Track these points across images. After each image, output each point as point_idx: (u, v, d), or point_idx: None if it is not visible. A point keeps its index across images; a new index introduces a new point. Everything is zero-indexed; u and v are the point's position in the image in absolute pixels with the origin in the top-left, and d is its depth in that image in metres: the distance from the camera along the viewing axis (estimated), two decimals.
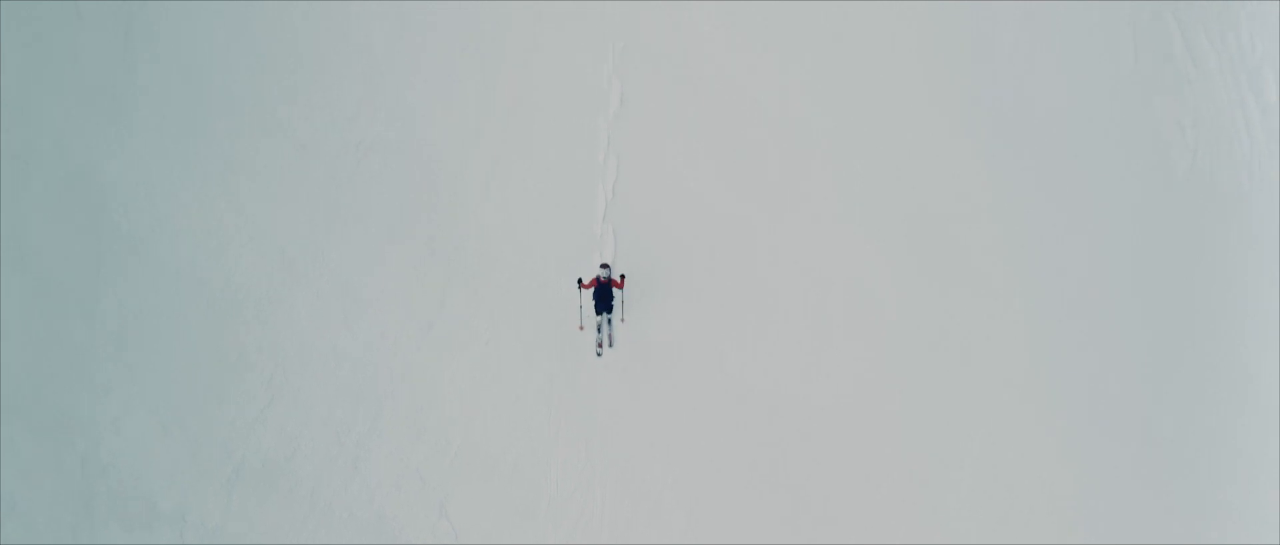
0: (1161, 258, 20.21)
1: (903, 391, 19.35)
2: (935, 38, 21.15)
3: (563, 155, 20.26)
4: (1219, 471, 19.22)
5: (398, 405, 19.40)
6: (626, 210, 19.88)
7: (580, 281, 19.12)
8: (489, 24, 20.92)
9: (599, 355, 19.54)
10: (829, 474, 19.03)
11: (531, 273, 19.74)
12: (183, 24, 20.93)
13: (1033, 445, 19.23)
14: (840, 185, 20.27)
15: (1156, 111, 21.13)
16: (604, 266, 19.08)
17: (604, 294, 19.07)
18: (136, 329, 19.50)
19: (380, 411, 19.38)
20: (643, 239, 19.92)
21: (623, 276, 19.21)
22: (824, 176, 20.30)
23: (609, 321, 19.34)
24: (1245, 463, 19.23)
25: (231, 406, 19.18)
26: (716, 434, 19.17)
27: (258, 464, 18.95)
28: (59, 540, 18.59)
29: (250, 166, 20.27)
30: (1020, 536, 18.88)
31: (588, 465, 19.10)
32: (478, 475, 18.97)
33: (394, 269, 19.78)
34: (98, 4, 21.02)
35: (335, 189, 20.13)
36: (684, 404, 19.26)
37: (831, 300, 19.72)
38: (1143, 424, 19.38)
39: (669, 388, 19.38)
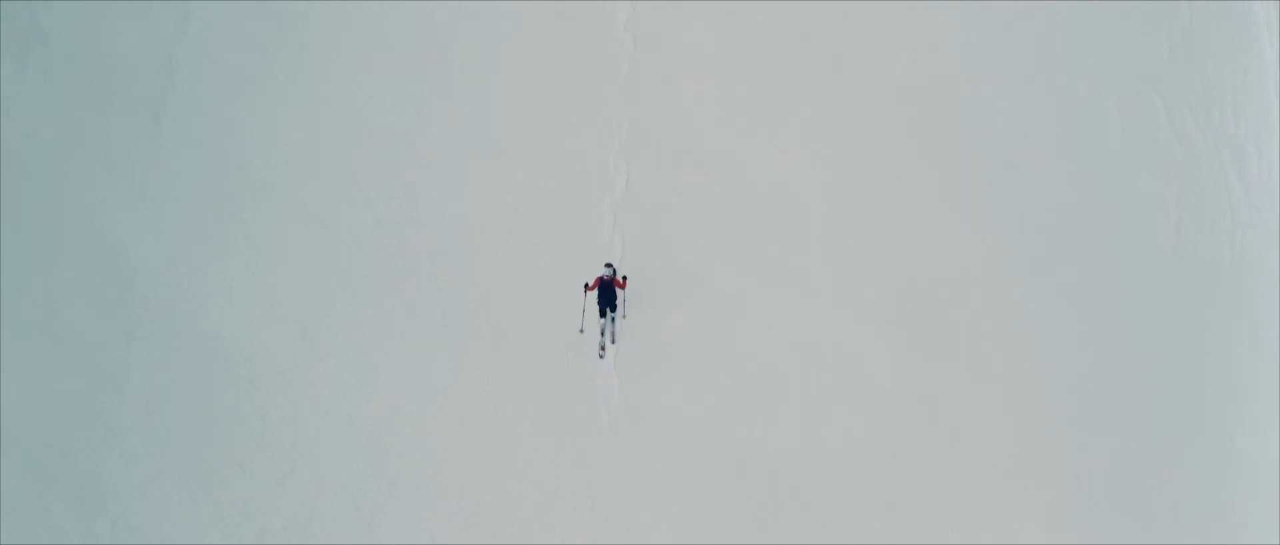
0: (1146, 330, 21.78)
1: (893, 460, 20.98)
2: (929, 118, 22.90)
3: (570, 234, 22.12)
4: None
5: (412, 472, 21.13)
6: (631, 286, 21.72)
7: (587, 285, 20.95)
8: (500, 109, 22.90)
9: (601, 356, 21.34)
10: (823, 537, 20.69)
11: (540, 346, 21.54)
12: (209, 109, 22.96)
13: (1021, 513, 20.81)
14: (834, 260, 22.00)
15: (1142, 188, 22.85)
16: (608, 266, 21.05)
17: (607, 292, 20.86)
18: (164, 400, 21.34)
19: (395, 478, 21.14)
20: (646, 312, 21.70)
21: (624, 278, 21.03)
22: (819, 252, 22.06)
23: (612, 320, 21.15)
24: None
25: (254, 473, 20.98)
26: (713, 496, 20.86)
27: (279, 528, 20.72)
28: None
29: (273, 244, 22.20)
30: None
31: (595, 532, 20.80)
32: (488, 540, 20.70)
33: (410, 342, 21.62)
34: (129, 89, 23.08)
35: (354, 265, 22.03)
36: (688, 475, 20.92)
37: (824, 371, 21.43)
38: (1132, 494, 20.91)
39: (673, 458, 21.06)
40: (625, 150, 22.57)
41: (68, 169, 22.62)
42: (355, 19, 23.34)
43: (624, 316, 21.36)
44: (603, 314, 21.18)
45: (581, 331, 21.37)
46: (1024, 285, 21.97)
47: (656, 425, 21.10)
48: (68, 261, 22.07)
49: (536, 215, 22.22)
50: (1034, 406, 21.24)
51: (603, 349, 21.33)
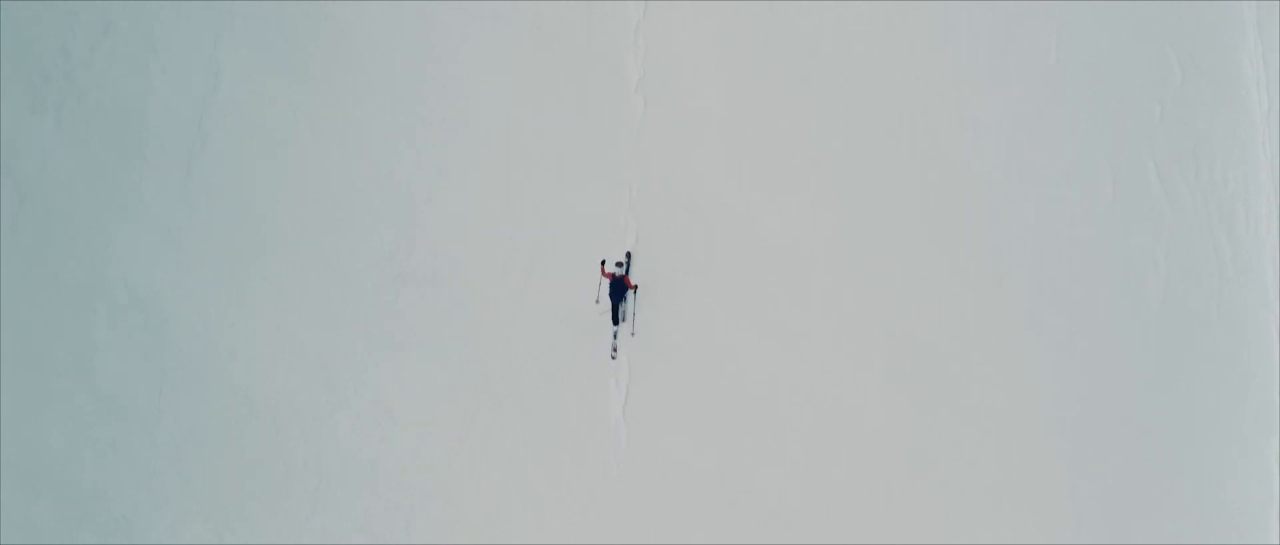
0: (1137, 383, 23.00)
1: (889, 507, 22.40)
2: (928, 178, 24.09)
3: (582, 288, 23.69)
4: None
5: (428, 515, 22.66)
6: (642, 342, 23.25)
7: (603, 264, 22.79)
8: (516, 168, 24.41)
9: (614, 357, 23.06)
10: None
11: (552, 397, 23.06)
12: (238, 165, 24.58)
13: None
14: (835, 313, 23.31)
15: (1133, 244, 24.13)
16: (619, 263, 22.94)
17: (618, 288, 22.61)
18: (193, 444, 23.03)
19: (412, 521, 22.74)
20: (653, 360, 23.18)
21: (636, 287, 22.95)
22: (820, 305, 23.38)
23: (623, 314, 22.90)
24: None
25: (279, 515, 22.63)
26: (716, 539, 22.45)
27: None
28: None
29: (298, 295, 23.85)
30: None
31: None
32: None
33: (427, 390, 23.23)
34: (161, 146, 24.87)
35: (375, 317, 23.68)
36: (691, 519, 22.34)
37: (824, 420, 22.87)
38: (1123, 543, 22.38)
39: (679, 502, 22.56)
40: (635, 206, 24.07)
41: (102, 221, 24.29)
42: (379, 81, 24.90)
43: (633, 334, 23.05)
44: (616, 317, 22.87)
45: (597, 302, 23.13)
46: (1018, 339, 23.22)
47: (662, 471, 22.55)
48: (102, 310, 23.72)
49: (550, 269, 23.61)
50: (1027, 457, 22.44)
51: (614, 351, 22.99)
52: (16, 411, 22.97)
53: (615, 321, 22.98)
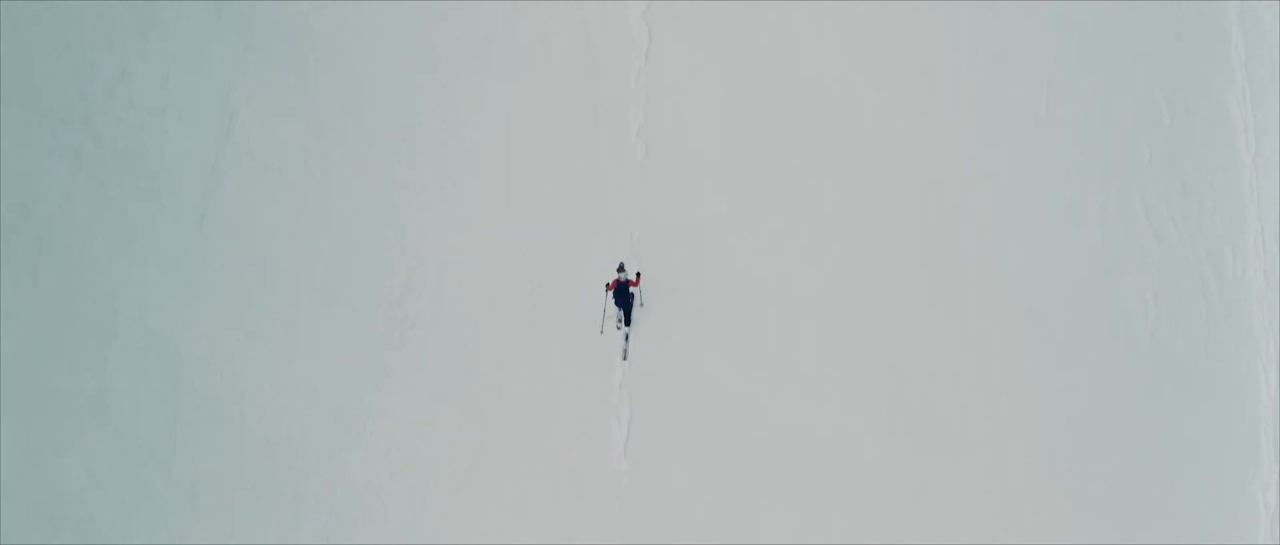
0: (1126, 421, 23.99)
1: (884, 541, 23.65)
2: (922, 222, 25.29)
3: (585, 329, 24.75)
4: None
5: None
6: (643, 382, 24.21)
7: (607, 285, 23.86)
8: (521, 211, 25.37)
9: (624, 359, 24.29)
10: None
11: (556, 436, 23.98)
12: (251, 208, 25.62)
13: None
14: (831, 355, 24.29)
15: (1122, 285, 25.24)
16: (620, 269, 23.91)
17: (623, 294, 23.86)
18: (209, 481, 24.04)
19: None
20: (656, 406, 24.20)
21: (638, 274, 24.02)
22: (817, 347, 24.39)
23: (628, 320, 24.12)
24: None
25: None
26: None
27: None
28: None
29: (309, 336, 24.91)
30: None
31: None
32: None
33: (435, 429, 24.22)
34: (177, 190, 26.07)
35: (385, 356, 24.74)
36: None
37: (820, 460, 23.75)
38: None
39: (680, 536, 23.57)
40: (637, 249, 25.23)
41: (119, 263, 25.34)
42: (389, 127, 25.99)
43: (641, 304, 24.42)
44: (625, 322, 24.15)
45: (602, 333, 24.18)
46: (1011, 377, 24.24)
47: (663, 507, 23.33)
48: (119, 350, 24.75)
49: (553, 311, 24.56)
50: (1020, 491, 23.34)
51: (625, 353, 24.32)
52: (35, 448, 23.91)
53: (626, 323, 24.14)
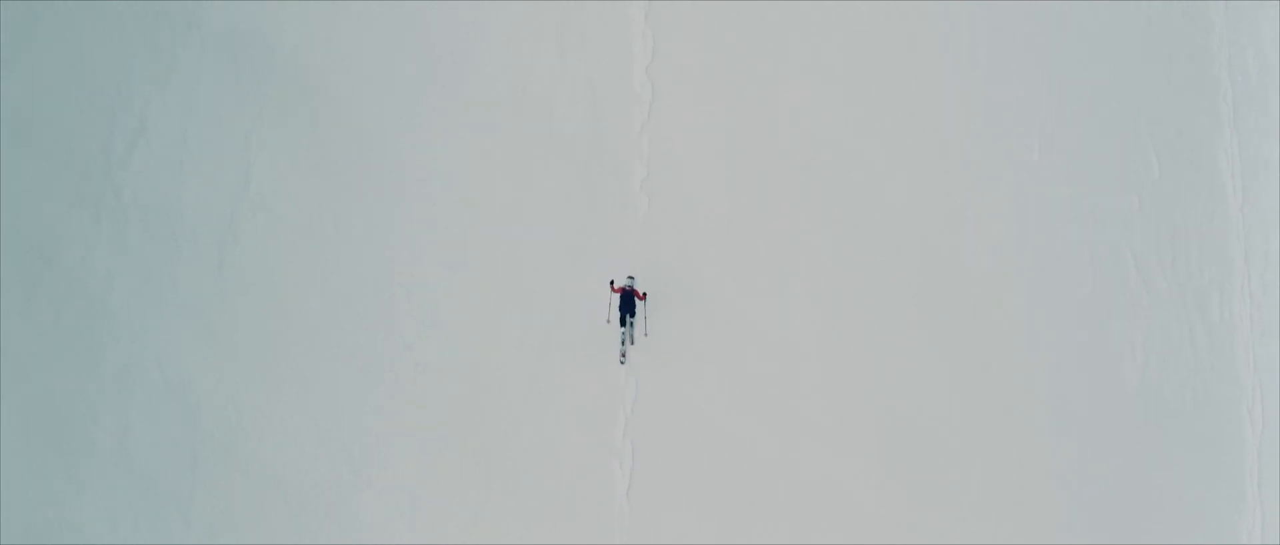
0: (1114, 466, 25.31)
1: None
2: (916, 274, 26.48)
3: (589, 378, 26.05)
4: None
5: None
6: (645, 428, 25.56)
7: (612, 283, 25.35)
8: (527, 264, 26.53)
9: (622, 362, 25.64)
10: None
11: (561, 482, 25.16)
12: (267, 259, 26.75)
13: None
14: (827, 404, 25.55)
15: (1112, 332, 26.49)
16: (630, 278, 25.44)
17: (628, 301, 25.19)
18: (225, 523, 25.31)
19: None
20: (658, 452, 25.50)
21: (645, 293, 25.43)
22: (815, 397, 25.63)
23: (632, 326, 25.50)
24: None
25: None
26: None
27: None
28: None
29: (323, 383, 26.20)
30: None
31: None
32: None
33: (445, 474, 25.44)
34: (195, 241, 27.48)
35: (396, 404, 26.01)
36: None
37: (817, 505, 25.09)
38: None
39: None
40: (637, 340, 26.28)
41: (140, 311, 26.66)
42: (400, 180, 27.08)
43: (645, 334, 25.77)
44: (623, 323, 25.51)
45: (608, 321, 25.74)
46: (1002, 422, 25.51)
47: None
48: (140, 396, 26.07)
49: (559, 361, 25.80)
50: (1010, 537, 24.77)
51: (623, 356, 25.66)
52: (56, 490, 25.25)
53: (623, 323, 25.63)
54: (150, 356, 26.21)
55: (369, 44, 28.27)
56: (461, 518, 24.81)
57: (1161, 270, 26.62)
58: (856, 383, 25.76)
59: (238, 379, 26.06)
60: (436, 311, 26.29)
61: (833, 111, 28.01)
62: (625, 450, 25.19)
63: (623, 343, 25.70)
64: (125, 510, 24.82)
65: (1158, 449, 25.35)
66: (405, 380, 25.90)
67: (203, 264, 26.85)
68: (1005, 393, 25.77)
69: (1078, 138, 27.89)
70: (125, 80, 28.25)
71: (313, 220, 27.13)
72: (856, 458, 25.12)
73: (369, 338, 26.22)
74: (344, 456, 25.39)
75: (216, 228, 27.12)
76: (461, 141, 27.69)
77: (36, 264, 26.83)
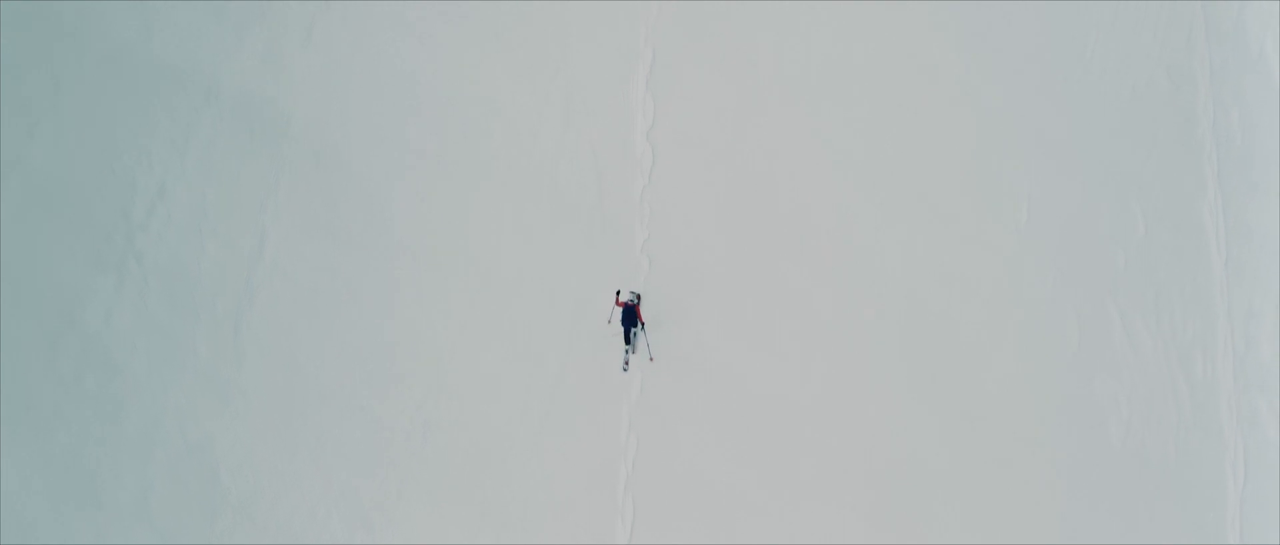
0: (1099, 520, 26.62)
1: None
2: (907, 330, 28.00)
3: (592, 435, 27.43)
4: None
5: None
6: (645, 484, 26.94)
7: (617, 294, 27.05)
8: (533, 323, 28.15)
9: (625, 370, 27.43)
10: None
11: (566, 535, 26.56)
12: (282, 322, 28.41)
13: None
14: (820, 459, 27.19)
15: (1097, 388, 27.90)
16: (634, 293, 27.25)
17: (629, 316, 26.90)
18: None
19: None
20: (658, 507, 26.88)
21: (644, 322, 27.00)
22: (809, 452, 27.14)
23: (634, 337, 27.18)
24: None
25: None
26: None
27: None
28: None
29: (337, 441, 27.79)
30: None
31: None
32: None
33: (455, 529, 26.74)
34: (213, 304, 29.31)
35: (407, 461, 27.45)
36: None
37: None
38: None
39: None
40: (641, 363, 28.46)
41: (159, 373, 28.37)
42: (410, 246, 28.67)
43: (651, 359, 27.61)
44: (627, 339, 27.24)
45: (609, 323, 27.62)
46: (989, 478, 26.82)
47: None
48: (160, 456, 27.59)
49: (563, 420, 27.24)
50: None
51: (626, 365, 27.54)
52: None
53: (627, 341, 27.42)
54: (170, 416, 27.73)
55: (380, 113, 30.17)
56: None
57: (1146, 327, 28.03)
58: (850, 437, 27.21)
59: (254, 437, 27.55)
60: (445, 371, 27.74)
61: (827, 176, 29.69)
62: (627, 505, 26.71)
63: (626, 355, 27.64)
64: None
65: (1142, 501, 26.59)
66: (415, 438, 27.31)
67: (220, 326, 28.43)
68: (994, 446, 27.16)
69: (1065, 198, 29.48)
70: (145, 148, 30.07)
71: (325, 283, 28.78)
72: (850, 510, 26.51)
73: (380, 397, 27.67)
74: (358, 515, 26.85)
75: (233, 290, 28.76)
76: (469, 206, 29.43)
77: (60, 325, 28.45)
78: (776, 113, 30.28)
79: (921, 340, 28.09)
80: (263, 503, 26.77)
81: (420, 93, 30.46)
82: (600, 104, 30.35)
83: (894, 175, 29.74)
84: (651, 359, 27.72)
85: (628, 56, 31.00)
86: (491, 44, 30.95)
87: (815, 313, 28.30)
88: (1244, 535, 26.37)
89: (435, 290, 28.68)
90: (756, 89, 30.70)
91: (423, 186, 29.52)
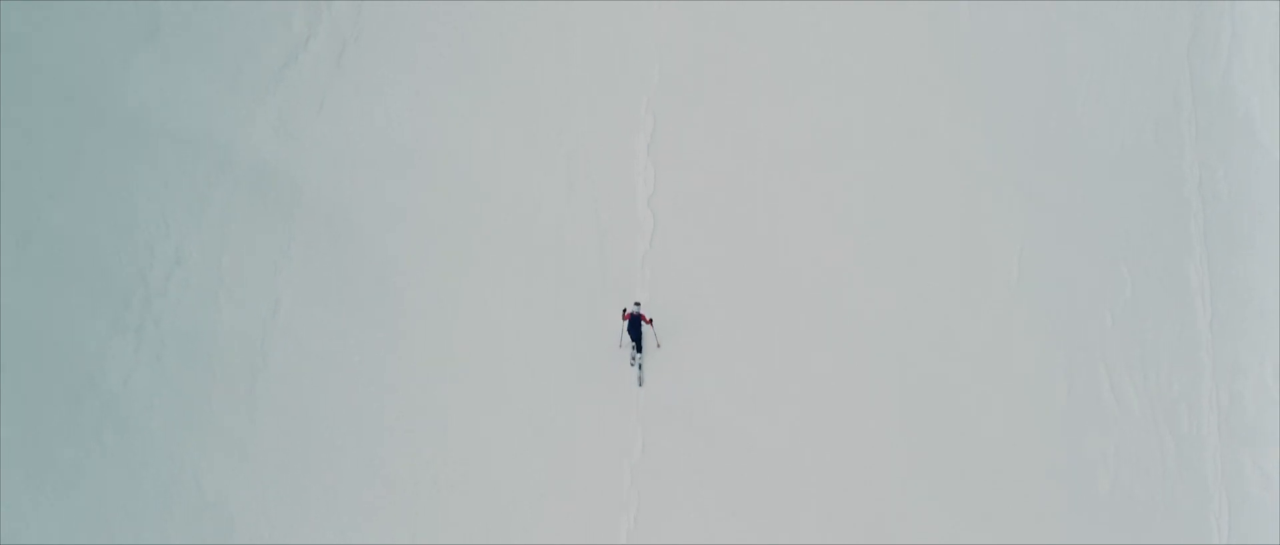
0: None
1: None
2: (900, 389, 29.69)
3: (594, 492, 29.13)
4: None
5: None
6: (648, 540, 28.61)
7: (624, 311, 28.71)
8: (539, 388, 29.68)
9: (640, 384, 29.25)
10: None
11: None
12: (295, 382, 29.82)
13: None
14: (819, 514, 28.88)
15: (1085, 442, 29.50)
16: (636, 304, 28.95)
17: (635, 326, 28.59)
18: None
19: None
20: None
21: (651, 319, 28.78)
22: (809, 511, 28.68)
23: (640, 350, 28.97)
24: None
25: None
26: None
27: None
28: None
29: (348, 499, 29.11)
30: None
31: None
32: None
33: None
34: (228, 365, 31.05)
35: (415, 517, 28.87)
36: None
37: None
38: None
39: None
40: (642, 420, 29.30)
41: (177, 432, 29.79)
42: (420, 309, 30.10)
43: (658, 345, 29.56)
44: (638, 349, 29.02)
45: (620, 346, 29.41)
46: (981, 531, 28.49)
47: None
48: (177, 512, 28.91)
49: (567, 480, 28.59)
50: None
51: (640, 381, 29.41)
52: None
53: (639, 351, 29.08)
54: (187, 472, 29.18)
55: (389, 180, 31.96)
56: None
57: (1133, 384, 29.72)
58: (847, 493, 28.81)
59: (269, 493, 28.96)
60: (452, 429, 29.12)
61: (823, 239, 31.45)
62: None
63: (640, 369, 29.39)
64: None
65: None
66: (424, 495, 28.61)
67: (235, 386, 29.64)
68: (985, 501, 28.75)
69: (1055, 258, 31.30)
70: (163, 214, 31.70)
71: (337, 345, 30.35)
72: None
73: (391, 455, 29.10)
74: None
75: (248, 353, 30.10)
76: (477, 269, 31.07)
77: (81, 386, 29.92)
78: (774, 178, 32.15)
79: (915, 398, 29.74)
80: None
81: (428, 160, 32.25)
82: (603, 170, 32.14)
83: (888, 238, 31.48)
84: (659, 345, 29.72)
85: (629, 123, 32.90)
86: (498, 113, 32.84)
87: (812, 372, 29.91)
88: None
89: (442, 351, 30.22)
90: (754, 155, 32.59)
91: (430, 251, 31.19)
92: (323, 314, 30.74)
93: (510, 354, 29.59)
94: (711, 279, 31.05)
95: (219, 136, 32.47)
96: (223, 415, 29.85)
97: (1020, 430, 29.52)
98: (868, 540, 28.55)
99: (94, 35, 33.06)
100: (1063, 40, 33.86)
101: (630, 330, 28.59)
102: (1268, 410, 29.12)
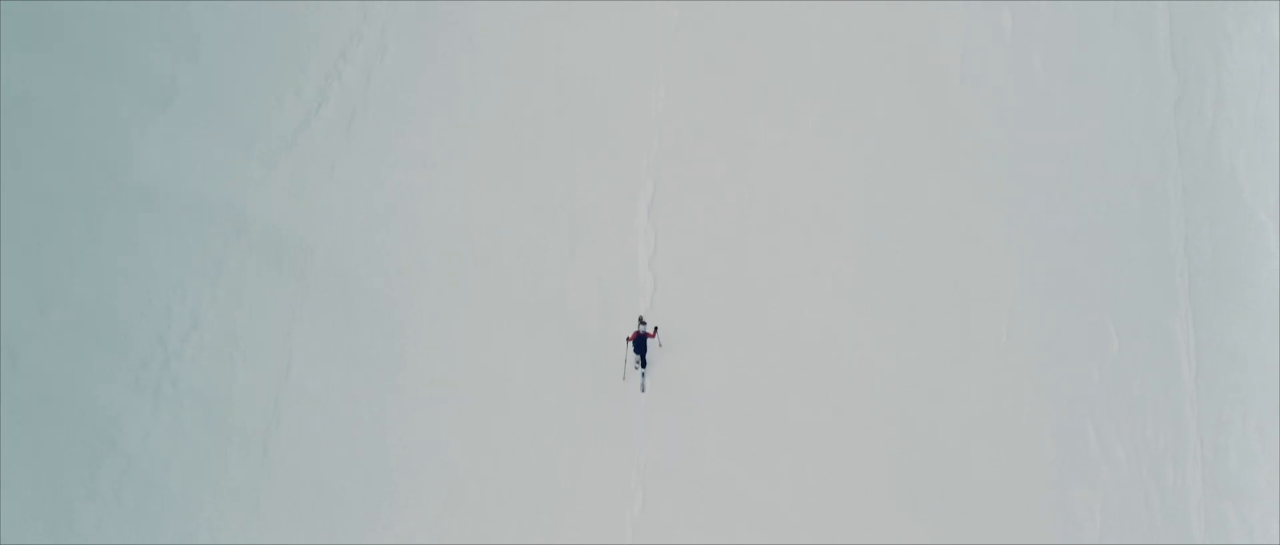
0: None
1: None
2: (891, 446, 31.00)
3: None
4: None
5: None
6: None
7: (628, 338, 30.37)
8: (543, 443, 31.07)
9: (643, 392, 30.78)
10: None
11: None
12: (308, 442, 31.36)
13: None
14: None
15: (1072, 497, 30.79)
16: (641, 321, 30.62)
17: (641, 344, 30.47)
18: None
19: None
20: None
21: (656, 328, 30.75)
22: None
23: (645, 362, 30.62)
24: None
25: None
26: None
27: None
28: None
29: None
30: None
31: None
32: None
33: None
34: (242, 425, 32.89)
35: None
36: None
37: None
38: None
39: None
40: (643, 475, 30.42)
41: (193, 489, 31.40)
42: (429, 369, 31.62)
43: (660, 345, 31.31)
44: (643, 362, 30.74)
45: (624, 378, 30.87)
46: None
47: None
48: None
49: (570, 536, 30.57)
50: None
51: (643, 388, 30.99)
52: None
53: (643, 365, 30.85)
54: (203, 530, 30.57)
55: (398, 243, 33.84)
56: None
57: (1120, 438, 31.07)
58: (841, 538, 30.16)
59: None
60: (460, 489, 30.32)
61: (818, 299, 33.03)
62: None
63: (642, 377, 31.14)
64: None
65: None
66: None
67: (250, 445, 31.15)
68: None
69: (1042, 316, 32.73)
70: (179, 278, 33.53)
71: (348, 405, 31.93)
72: None
73: (399, 514, 30.21)
74: None
75: (262, 412, 31.63)
76: (483, 332, 32.70)
77: (100, 446, 31.52)
78: (771, 241, 33.87)
79: (907, 451, 31.01)
80: None
81: (435, 224, 34.07)
82: (605, 233, 33.90)
83: (882, 297, 33.04)
84: (660, 345, 31.50)
85: (630, 187, 34.75)
86: (503, 178, 34.74)
87: (808, 429, 31.30)
88: None
89: (451, 411, 31.68)
90: (753, 216, 34.37)
91: (438, 312, 32.87)
92: (334, 372, 32.36)
93: (514, 414, 30.91)
94: (711, 337, 32.61)
95: (233, 201, 34.36)
96: (237, 472, 31.38)
97: (1010, 483, 30.68)
98: None
99: (112, 104, 35.22)
100: (1052, 102, 35.47)
101: (636, 347, 30.39)
102: (1251, 463, 30.07)
